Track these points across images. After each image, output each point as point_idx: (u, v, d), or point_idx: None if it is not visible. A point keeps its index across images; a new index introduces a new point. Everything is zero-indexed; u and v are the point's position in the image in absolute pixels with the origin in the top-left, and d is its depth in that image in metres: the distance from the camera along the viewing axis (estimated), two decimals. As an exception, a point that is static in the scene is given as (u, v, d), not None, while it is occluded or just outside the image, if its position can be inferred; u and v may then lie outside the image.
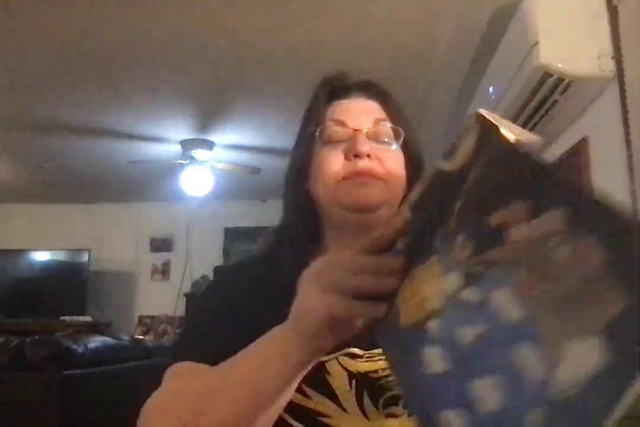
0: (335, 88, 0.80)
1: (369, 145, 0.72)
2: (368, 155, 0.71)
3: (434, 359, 0.39)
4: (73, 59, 2.59)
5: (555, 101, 1.90)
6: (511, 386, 0.33)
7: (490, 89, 2.25)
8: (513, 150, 0.39)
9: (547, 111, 1.98)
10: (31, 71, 2.73)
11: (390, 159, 0.74)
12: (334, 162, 0.73)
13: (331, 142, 0.75)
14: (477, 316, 0.37)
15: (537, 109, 2.00)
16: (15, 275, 5.13)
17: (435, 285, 0.41)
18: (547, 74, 1.76)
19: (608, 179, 1.79)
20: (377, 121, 0.76)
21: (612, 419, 0.27)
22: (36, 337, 2.23)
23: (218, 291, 0.75)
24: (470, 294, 0.38)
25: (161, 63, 2.65)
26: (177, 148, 3.86)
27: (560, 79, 1.77)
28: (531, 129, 2.16)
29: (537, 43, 1.74)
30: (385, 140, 0.75)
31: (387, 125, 0.76)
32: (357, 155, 0.71)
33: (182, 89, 2.97)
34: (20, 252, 5.18)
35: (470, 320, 0.37)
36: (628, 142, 1.65)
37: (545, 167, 0.36)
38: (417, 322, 0.42)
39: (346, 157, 0.73)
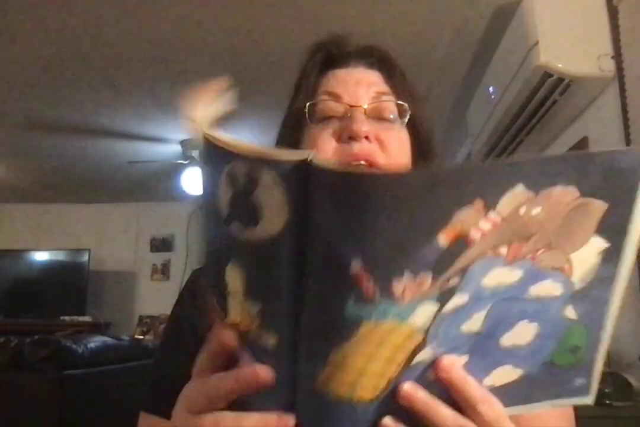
0: (331, 55, 0.69)
1: (367, 124, 0.60)
2: (366, 137, 0.60)
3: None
4: (73, 58, 2.59)
5: (555, 101, 1.90)
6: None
7: (490, 89, 2.25)
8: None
9: (547, 111, 1.99)
10: (31, 71, 2.73)
11: (393, 141, 0.62)
12: (326, 145, 0.61)
13: (323, 119, 0.64)
14: (475, 307, 0.34)
15: (537, 109, 2.00)
16: (15, 275, 5.12)
17: (403, 334, 0.33)
18: (547, 74, 1.76)
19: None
20: (379, 95, 0.64)
21: None
22: (36, 337, 2.23)
23: (185, 309, 0.67)
24: (454, 303, 0.33)
25: (161, 63, 2.65)
26: (177, 148, 3.86)
27: (560, 79, 1.77)
28: (531, 129, 2.16)
29: (537, 43, 1.74)
30: (390, 117, 0.64)
31: (391, 100, 0.65)
32: (352, 137, 0.60)
33: (182, 89, 2.97)
34: (20, 252, 5.17)
35: (468, 315, 0.34)
36: (628, 142, 1.65)
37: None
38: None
39: (340, 139, 0.61)
